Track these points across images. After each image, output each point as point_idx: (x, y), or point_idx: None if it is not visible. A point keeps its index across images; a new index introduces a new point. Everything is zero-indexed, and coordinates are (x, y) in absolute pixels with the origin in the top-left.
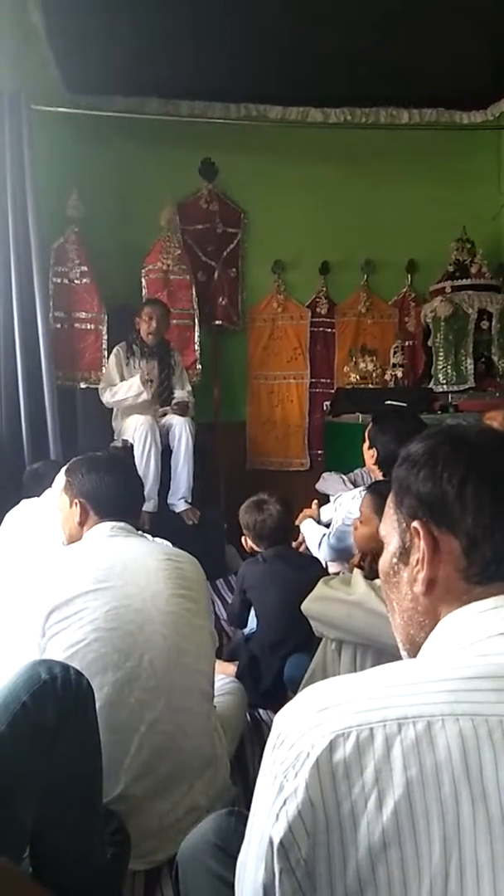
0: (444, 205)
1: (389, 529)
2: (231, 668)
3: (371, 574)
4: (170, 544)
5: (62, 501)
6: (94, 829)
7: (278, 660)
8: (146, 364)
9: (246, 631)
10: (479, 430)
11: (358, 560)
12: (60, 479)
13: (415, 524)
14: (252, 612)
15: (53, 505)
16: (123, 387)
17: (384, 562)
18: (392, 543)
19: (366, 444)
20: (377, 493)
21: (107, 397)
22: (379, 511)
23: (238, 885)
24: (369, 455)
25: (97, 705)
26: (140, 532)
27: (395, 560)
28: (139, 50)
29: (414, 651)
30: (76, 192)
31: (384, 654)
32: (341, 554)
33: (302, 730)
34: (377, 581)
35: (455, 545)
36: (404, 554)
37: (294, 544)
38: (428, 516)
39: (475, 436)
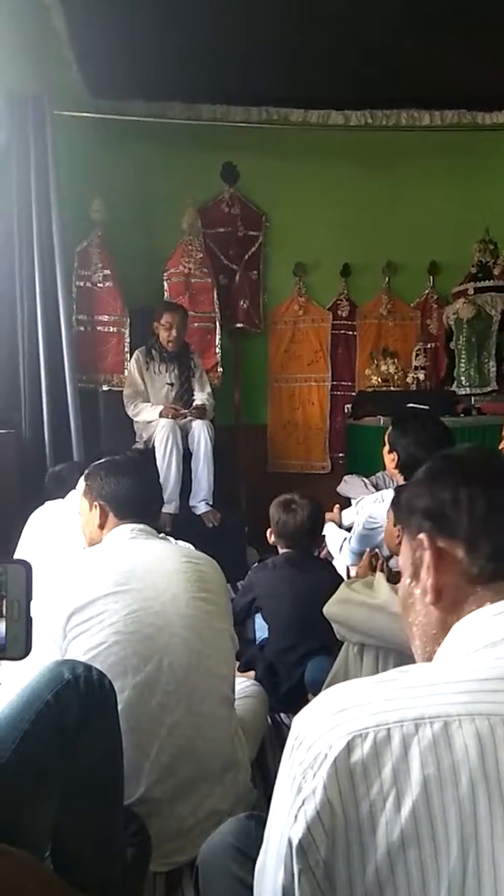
0: (466, 206)
1: (404, 557)
2: (249, 676)
3: (392, 577)
4: (192, 547)
5: (82, 505)
6: (115, 828)
7: (295, 664)
8: (167, 369)
9: (258, 639)
10: (469, 448)
11: (368, 560)
12: (81, 483)
13: (420, 537)
14: (261, 620)
15: (75, 508)
16: (147, 409)
17: (402, 589)
18: (407, 568)
19: (386, 448)
20: None
21: (131, 410)
22: None
23: (257, 887)
24: (390, 459)
25: (118, 708)
26: (162, 535)
27: (409, 581)
28: (161, 54)
29: None
30: (99, 196)
31: (407, 657)
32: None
33: (320, 731)
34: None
35: (458, 551)
36: (416, 573)
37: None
38: (431, 528)
39: (465, 452)
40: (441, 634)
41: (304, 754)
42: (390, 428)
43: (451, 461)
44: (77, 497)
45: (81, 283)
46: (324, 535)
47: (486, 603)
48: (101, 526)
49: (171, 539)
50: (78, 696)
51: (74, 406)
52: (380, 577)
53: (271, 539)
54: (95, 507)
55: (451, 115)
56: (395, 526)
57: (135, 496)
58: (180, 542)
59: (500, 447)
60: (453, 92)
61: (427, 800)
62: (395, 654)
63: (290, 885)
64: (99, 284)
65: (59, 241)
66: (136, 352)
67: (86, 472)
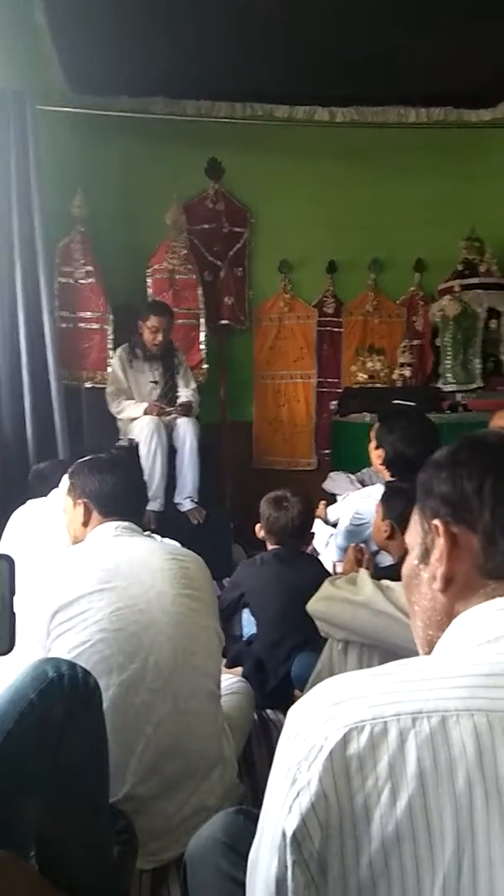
0: (452, 203)
1: (413, 535)
2: (235, 672)
3: (378, 574)
4: (178, 544)
5: (67, 503)
6: (101, 827)
7: (283, 659)
8: (150, 367)
9: (245, 635)
10: (500, 436)
11: (353, 556)
12: (65, 481)
13: (435, 522)
14: (249, 616)
15: (59, 506)
16: (130, 406)
17: (407, 566)
18: (415, 548)
19: (372, 444)
20: (393, 490)
21: (114, 408)
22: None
23: (250, 879)
24: (376, 455)
25: (103, 706)
26: (147, 532)
27: (416, 562)
28: (144, 49)
29: (432, 652)
30: (81, 192)
31: (391, 654)
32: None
33: (315, 723)
34: (384, 581)
35: (474, 541)
36: (425, 555)
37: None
38: (448, 514)
39: (494, 439)
40: (446, 621)
41: (299, 746)
42: (377, 424)
43: (480, 448)
44: (61, 495)
45: (63, 280)
46: (312, 532)
47: (493, 598)
48: (86, 523)
49: (157, 536)
50: (62, 695)
51: (58, 403)
52: (363, 574)
53: (260, 534)
54: (79, 504)
55: (437, 112)
56: (382, 521)
57: (119, 493)
58: (165, 540)
59: None
60: (440, 89)
61: (423, 794)
62: (380, 651)
63: (284, 877)
64: (81, 281)
65: (40, 237)
66: (119, 349)
67: (70, 469)
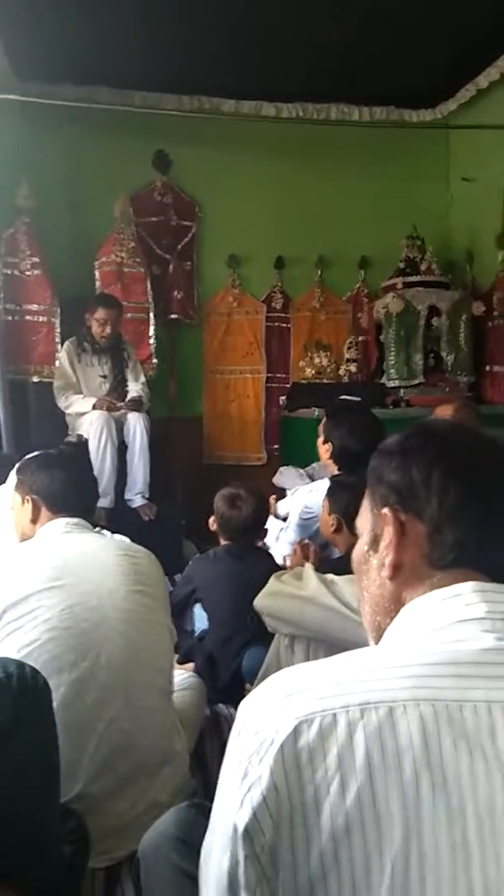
0: (394, 202)
1: (363, 521)
2: (187, 668)
3: (324, 568)
4: (128, 540)
5: (14, 500)
6: (52, 828)
7: (234, 655)
8: (99, 361)
9: (197, 630)
10: (449, 425)
11: (300, 550)
12: (12, 478)
13: (384, 510)
14: (201, 611)
15: (4, 504)
16: (78, 401)
17: (357, 551)
18: (364, 534)
19: (320, 439)
20: (338, 484)
21: (62, 403)
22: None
23: (202, 873)
24: (324, 449)
25: (53, 705)
26: (97, 528)
27: (366, 549)
28: (90, 38)
29: (380, 639)
30: (27, 182)
31: (336, 648)
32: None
33: (267, 716)
34: (329, 576)
35: (421, 530)
36: (375, 542)
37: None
38: (397, 503)
39: (445, 429)
40: (394, 608)
41: (250, 739)
42: (324, 419)
43: (430, 437)
44: (5, 491)
45: (8, 272)
46: (265, 528)
47: (438, 587)
48: (34, 521)
49: (107, 532)
50: (10, 696)
51: (3, 398)
52: (308, 569)
53: (213, 527)
54: (27, 501)
55: (379, 111)
56: (329, 515)
57: (68, 490)
58: (116, 536)
59: None
60: (383, 89)
61: (371, 785)
62: (325, 645)
63: (235, 871)
64: (27, 272)
65: None
66: (67, 343)
67: (17, 465)
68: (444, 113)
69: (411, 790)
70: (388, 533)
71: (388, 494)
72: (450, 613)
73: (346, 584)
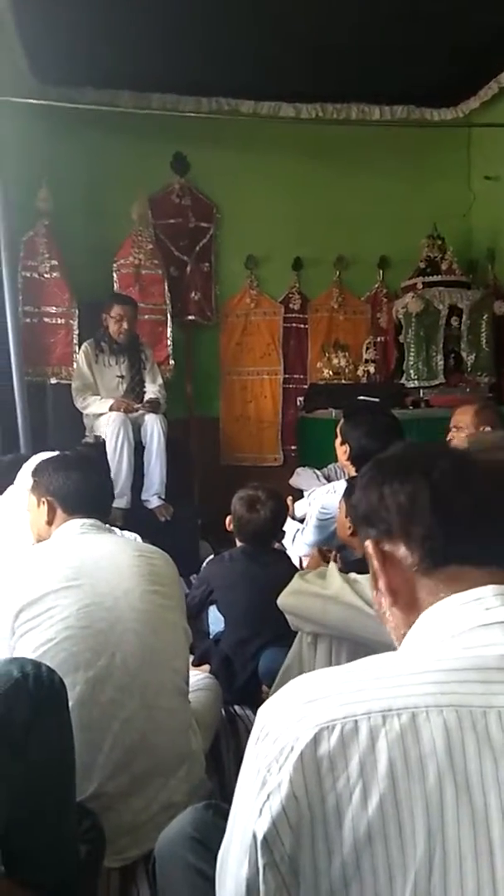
0: (414, 201)
1: (370, 569)
2: (203, 669)
3: (345, 568)
4: (138, 536)
5: (30, 502)
6: (68, 827)
7: (251, 656)
8: (117, 362)
9: (212, 632)
10: (393, 447)
11: (318, 553)
12: (26, 479)
13: (367, 544)
14: (216, 613)
15: (17, 504)
16: (96, 402)
17: (374, 601)
18: (373, 580)
19: (338, 441)
20: (355, 486)
21: (79, 404)
22: None
23: (219, 880)
24: (342, 451)
25: (69, 704)
26: (107, 526)
27: (374, 591)
28: (110, 41)
29: None
30: (46, 185)
31: (360, 646)
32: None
33: (287, 722)
34: (352, 575)
35: (400, 547)
36: (376, 581)
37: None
38: (373, 533)
39: (387, 452)
40: (406, 633)
41: (269, 747)
42: (342, 421)
43: (373, 465)
44: (19, 493)
45: (28, 274)
46: (283, 531)
47: (440, 593)
48: (50, 522)
49: (115, 530)
50: (27, 695)
51: (22, 400)
52: (332, 568)
53: (230, 527)
54: (43, 503)
55: (400, 110)
56: (346, 517)
57: (84, 491)
58: (125, 533)
59: (447, 438)
60: (403, 88)
61: (394, 792)
62: (348, 644)
63: (255, 880)
64: (46, 275)
65: (4, 231)
66: (85, 344)
67: (33, 467)
68: (466, 111)
69: (435, 797)
70: (375, 562)
71: (367, 530)
72: (471, 618)
73: (369, 582)
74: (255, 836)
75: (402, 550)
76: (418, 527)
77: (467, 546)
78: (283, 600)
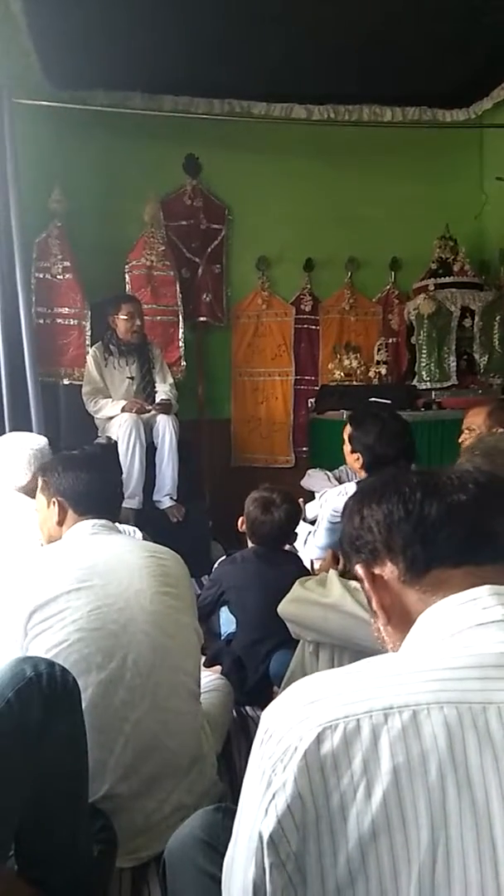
0: (427, 202)
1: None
2: (215, 670)
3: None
4: (137, 530)
5: (40, 502)
6: (81, 826)
7: (263, 658)
8: (126, 363)
9: (224, 633)
10: (387, 474)
11: (331, 556)
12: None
13: (357, 569)
14: (228, 614)
15: (27, 505)
16: (108, 405)
17: (374, 627)
18: (369, 607)
19: (348, 448)
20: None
21: (91, 408)
22: None
23: (226, 881)
24: (353, 458)
25: (82, 705)
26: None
27: (373, 621)
28: (123, 44)
29: None
30: (59, 187)
31: (361, 655)
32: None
33: (290, 723)
34: (352, 582)
35: (387, 564)
36: (369, 600)
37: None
38: (361, 559)
39: (367, 482)
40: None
41: (273, 747)
42: (349, 428)
43: (353, 496)
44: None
45: (40, 275)
46: (296, 533)
47: (430, 598)
48: (60, 523)
49: (124, 528)
50: (41, 694)
51: (35, 400)
52: (332, 575)
53: (242, 527)
54: (53, 503)
55: (412, 111)
56: None
57: (94, 491)
58: (125, 527)
59: (459, 440)
60: (415, 89)
61: (397, 789)
62: (350, 652)
63: (262, 880)
64: (59, 276)
65: (17, 232)
66: (93, 348)
67: (42, 467)
68: (478, 112)
69: (437, 792)
70: (366, 585)
71: (355, 556)
72: (468, 617)
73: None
74: (261, 837)
75: (388, 567)
76: (397, 538)
77: (444, 548)
78: (284, 608)
